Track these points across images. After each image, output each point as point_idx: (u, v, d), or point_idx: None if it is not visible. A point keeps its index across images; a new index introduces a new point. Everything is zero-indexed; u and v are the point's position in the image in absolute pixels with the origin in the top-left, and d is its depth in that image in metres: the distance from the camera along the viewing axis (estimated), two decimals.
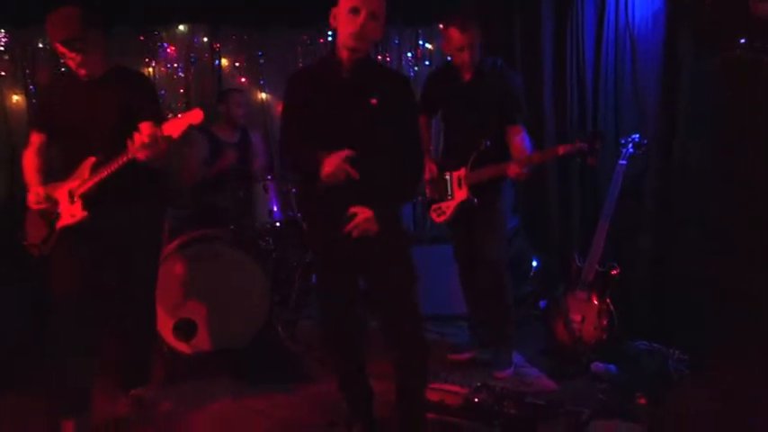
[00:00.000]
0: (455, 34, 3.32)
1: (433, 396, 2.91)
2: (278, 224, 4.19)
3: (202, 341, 3.78)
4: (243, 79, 5.43)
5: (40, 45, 4.96)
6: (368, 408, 2.76)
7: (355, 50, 2.42)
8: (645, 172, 3.82)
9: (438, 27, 5.15)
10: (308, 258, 4.33)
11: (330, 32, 5.13)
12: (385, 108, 2.43)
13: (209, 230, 4.02)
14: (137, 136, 2.62)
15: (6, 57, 4.93)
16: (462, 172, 3.45)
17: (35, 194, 2.86)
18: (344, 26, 2.40)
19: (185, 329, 3.74)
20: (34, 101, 4.94)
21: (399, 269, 2.51)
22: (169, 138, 2.59)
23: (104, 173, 2.77)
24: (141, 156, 2.62)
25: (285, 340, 4.00)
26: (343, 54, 2.45)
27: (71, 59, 2.80)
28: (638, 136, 3.54)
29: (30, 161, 2.99)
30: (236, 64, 5.42)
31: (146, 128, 2.59)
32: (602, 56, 4.18)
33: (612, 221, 3.51)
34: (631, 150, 3.51)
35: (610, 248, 3.55)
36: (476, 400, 2.97)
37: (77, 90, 2.89)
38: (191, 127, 2.60)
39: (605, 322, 3.43)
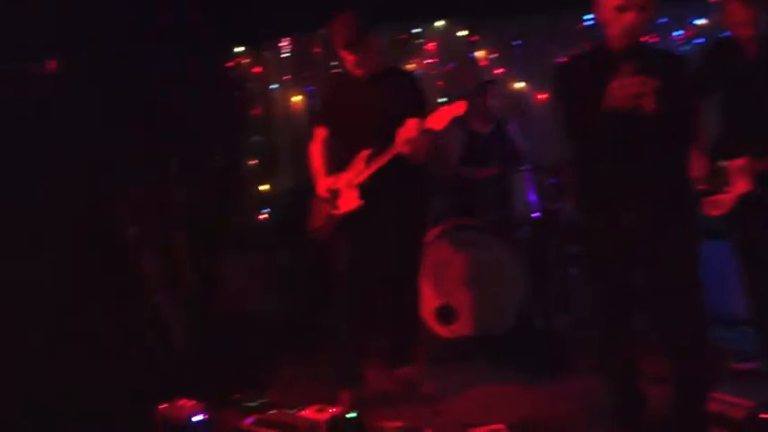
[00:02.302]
0: (737, 8, 3.01)
1: (713, 407, 2.67)
2: (535, 215, 4.17)
3: (462, 326, 3.91)
4: (500, 70, 5.46)
5: (317, 50, 5.47)
6: (638, 418, 2.59)
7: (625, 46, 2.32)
8: None
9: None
10: (567, 250, 4.25)
11: (589, 17, 4.92)
12: (663, 91, 2.28)
13: (468, 220, 4.14)
14: (402, 131, 2.77)
15: (288, 62, 5.54)
16: (745, 161, 3.09)
17: (324, 185, 3.17)
18: (610, 24, 2.31)
19: (446, 314, 3.89)
20: (312, 100, 5.50)
21: (689, 265, 2.34)
22: (432, 131, 2.71)
23: (376, 165, 2.99)
24: (405, 150, 2.77)
25: (544, 331, 3.98)
26: (614, 45, 2.35)
27: (350, 62, 3.05)
28: None
29: (315, 154, 3.30)
30: (494, 55, 5.47)
31: (411, 123, 2.73)
32: None
33: None
34: None
35: None
36: (763, 415, 2.65)
37: (355, 89, 3.13)
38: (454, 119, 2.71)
39: None
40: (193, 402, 2.70)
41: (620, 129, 2.27)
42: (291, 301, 4.60)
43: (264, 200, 5.60)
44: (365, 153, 3.05)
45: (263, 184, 5.61)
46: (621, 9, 2.26)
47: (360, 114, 3.09)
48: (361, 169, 3.06)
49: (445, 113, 2.79)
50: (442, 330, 3.93)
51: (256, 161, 5.58)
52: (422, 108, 3.07)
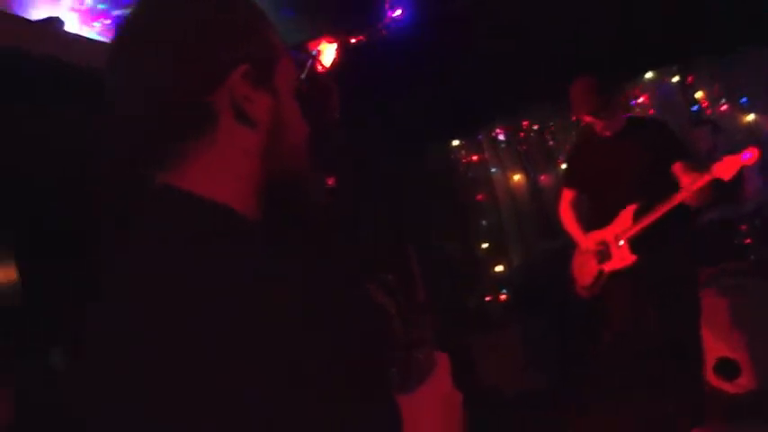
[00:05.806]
0: None
1: None
2: None
3: (748, 380, 3.60)
4: (723, 107, 5.20)
5: (535, 127, 5.64)
6: None
7: None
8: None
9: None
10: None
11: None
12: None
13: (731, 264, 3.90)
14: (686, 184, 2.77)
15: (503, 145, 5.76)
16: None
17: (592, 239, 3.18)
18: None
19: (727, 368, 3.63)
20: (532, 177, 5.64)
21: None
22: (720, 181, 2.65)
23: (651, 218, 2.95)
24: (692, 201, 2.75)
25: None
26: None
27: (596, 125, 3.08)
28: None
29: (567, 215, 3.36)
30: (713, 93, 5.25)
31: (679, 169, 2.72)
32: None
33: None
34: None
35: None
36: None
37: (602, 147, 3.15)
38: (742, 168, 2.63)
39: None
40: None
41: None
42: (543, 376, 4.57)
43: (500, 280, 5.73)
44: (632, 208, 3.03)
45: (497, 265, 5.77)
46: None
47: (614, 172, 3.08)
48: (629, 224, 3.04)
49: (734, 163, 2.66)
50: (727, 386, 3.65)
51: (487, 244, 5.78)
52: (681, 150, 3.04)
